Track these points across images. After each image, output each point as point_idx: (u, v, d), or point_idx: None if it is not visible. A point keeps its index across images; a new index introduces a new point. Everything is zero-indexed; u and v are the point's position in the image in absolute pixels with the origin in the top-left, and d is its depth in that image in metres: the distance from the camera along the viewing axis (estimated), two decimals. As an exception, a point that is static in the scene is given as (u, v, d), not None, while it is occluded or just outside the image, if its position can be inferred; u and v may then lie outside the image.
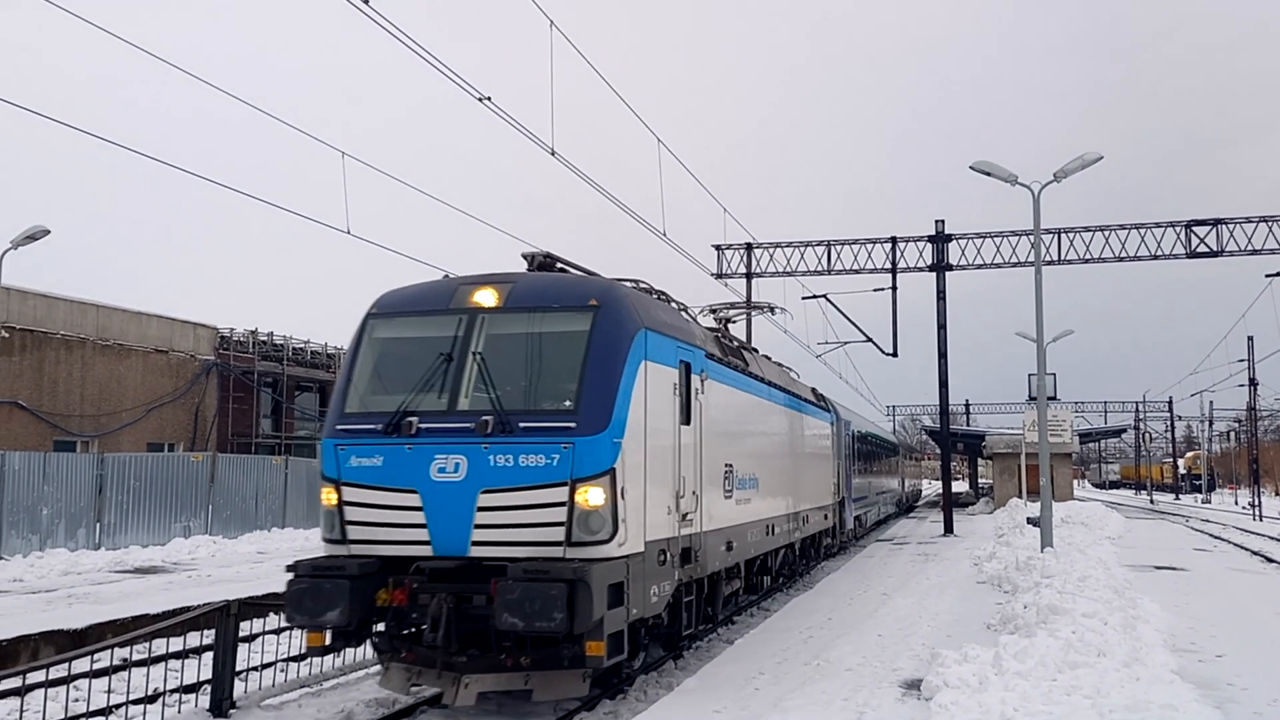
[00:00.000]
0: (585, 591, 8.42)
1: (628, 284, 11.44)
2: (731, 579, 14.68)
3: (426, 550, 9.30)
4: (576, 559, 8.87)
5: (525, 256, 11.62)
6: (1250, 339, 64.02)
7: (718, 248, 39.19)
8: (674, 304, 12.98)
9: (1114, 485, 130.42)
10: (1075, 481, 66.55)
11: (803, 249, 38.78)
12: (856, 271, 38.10)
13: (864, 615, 15.14)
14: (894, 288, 37.45)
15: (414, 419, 9.49)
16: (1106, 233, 36.37)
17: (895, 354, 37.66)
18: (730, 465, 13.85)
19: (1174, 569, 22.11)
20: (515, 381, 9.72)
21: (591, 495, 9.02)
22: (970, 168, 22.36)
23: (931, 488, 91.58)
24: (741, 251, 39.18)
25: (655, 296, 12.17)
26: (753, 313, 20.58)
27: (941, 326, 36.68)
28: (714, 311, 17.83)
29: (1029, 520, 28.93)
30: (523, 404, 9.50)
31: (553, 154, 16.28)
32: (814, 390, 24.61)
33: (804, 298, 37.55)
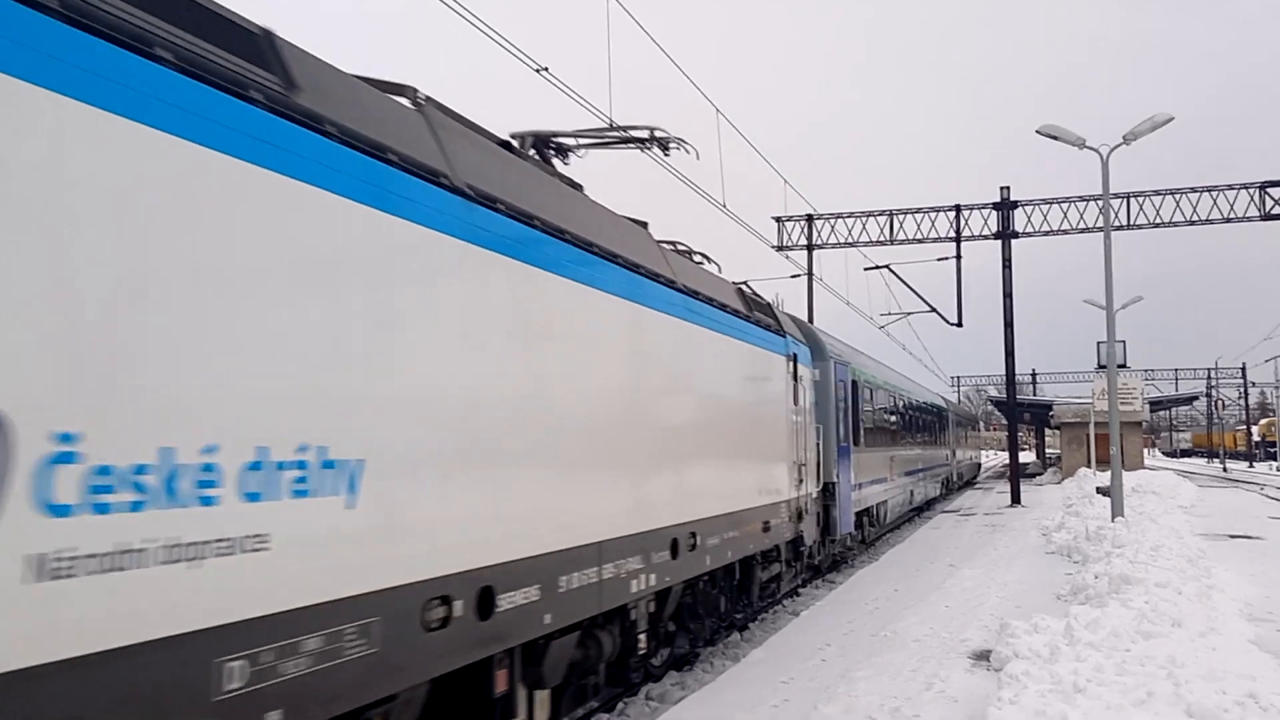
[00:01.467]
0: None
1: None
2: None
3: None
4: None
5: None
6: (1329, 302, 61.97)
7: (778, 220, 38.91)
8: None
9: (1185, 454, 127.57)
10: (1145, 450, 65.23)
11: (864, 219, 38.35)
12: (920, 241, 37.60)
13: (931, 586, 15.06)
14: (958, 256, 36.92)
15: None
16: (1177, 196, 35.45)
17: (960, 324, 37.17)
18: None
19: (1249, 537, 21.61)
20: None
21: None
22: (1037, 131, 21.91)
23: (997, 459, 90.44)
24: (802, 223, 38.84)
25: None
26: (632, 145, 11.32)
27: (1007, 295, 36.09)
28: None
29: (1098, 490, 28.52)
30: None
31: (611, 125, 16.26)
32: (750, 296, 13.63)
33: (866, 269, 37.20)
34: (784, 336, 13.98)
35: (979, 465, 66.11)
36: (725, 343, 11.01)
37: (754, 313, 12.58)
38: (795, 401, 14.37)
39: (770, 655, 10.74)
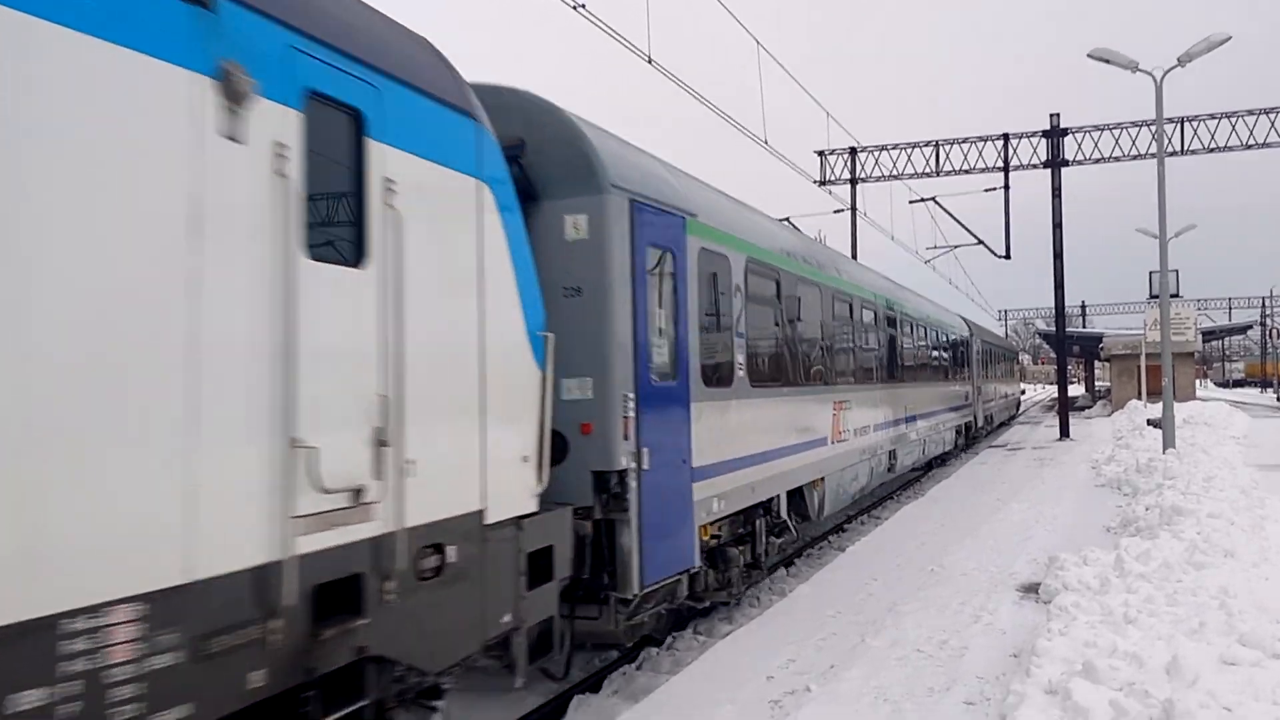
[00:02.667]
0: None
1: None
2: None
3: None
4: None
5: None
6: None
7: (820, 153, 38.35)
8: None
9: (1238, 384, 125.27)
10: (1197, 381, 64.15)
11: (909, 151, 37.64)
12: (966, 172, 36.88)
13: (978, 521, 15.00)
14: (1006, 187, 36.18)
15: None
16: (1234, 119, 34.38)
17: (1008, 256, 36.56)
18: None
19: (1306, 469, 21.26)
20: None
21: None
22: (1088, 55, 21.29)
23: (1045, 393, 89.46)
24: (845, 156, 38.24)
25: None
26: None
27: (1057, 225, 35.38)
28: None
29: (1149, 422, 28.15)
30: None
31: (650, 61, 16.04)
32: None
33: (911, 201, 36.63)
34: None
35: (1018, 403, 54.43)
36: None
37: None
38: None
39: (816, 590, 10.78)
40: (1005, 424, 43.90)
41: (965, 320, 30.89)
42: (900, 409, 18.75)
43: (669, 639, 9.86)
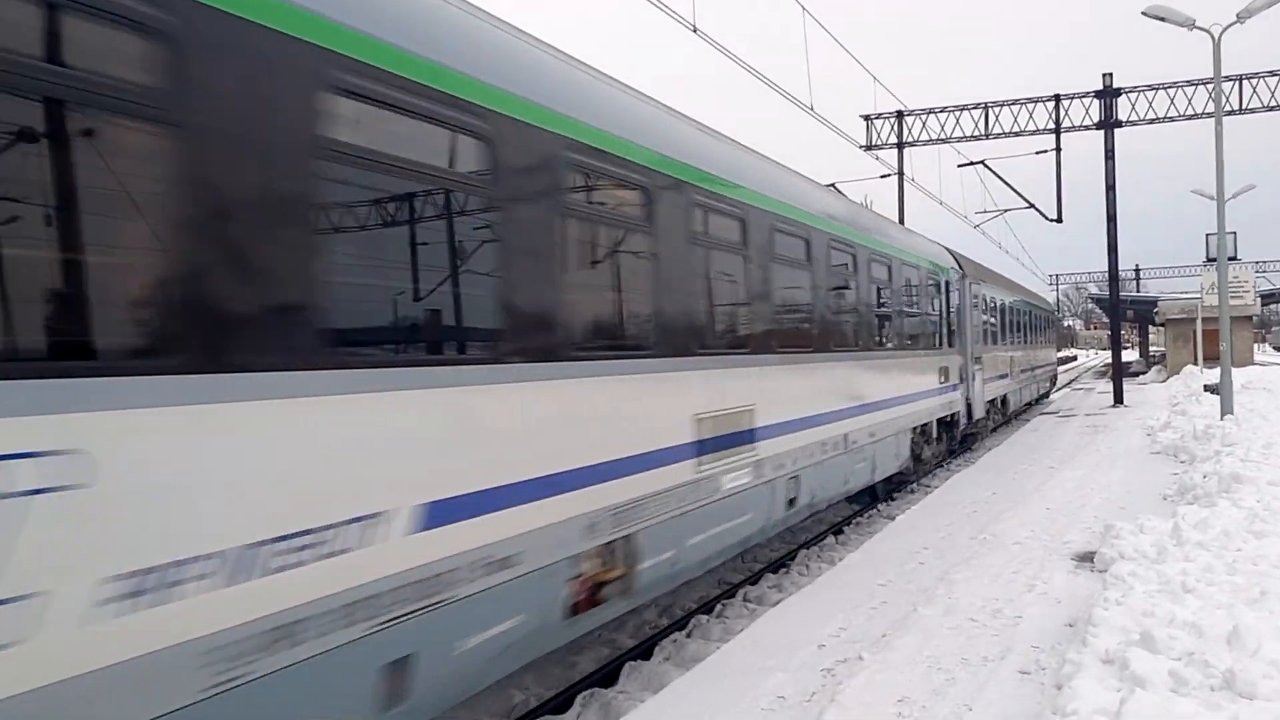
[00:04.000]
0: None
1: None
2: None
3: None
4: None
5: None
6: None
7: (866, 118, 37.81)
8: None
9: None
10: (1256, 346, 62.86)
11: (958, 113, 36.98)
12: (1016, 134, 36.17)
13: (1030, 489, 14.84)
14: (1058, 149, 35.46)
15: None
16: (1295, 76, 33.39)
17: (1060, 219, 35.89)
18: None
19: (1370, 435, 20.76)
20: None
21: None
22: (1143, 13, 20.76)
23: (1098, 359, 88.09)
24: (892, 120, 37.67)
25: None
26: None
27: (1110, 188, 34.64)
28: None
29: (1206, 387, 27.66)
30: None
31: (695, 30, 15.90)
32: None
33: (960, 165, 36.03)
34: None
35: (1053, 377, 41.08)
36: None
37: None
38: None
39: (866, 559, 10.74)
40: (1035, 403, 34.71)
41: (952, 255, 20.29)
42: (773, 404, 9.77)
43: (719, 606, 9.89)
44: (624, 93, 7.82)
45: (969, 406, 20.08)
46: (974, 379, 20.56)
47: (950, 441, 19.44)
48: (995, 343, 24.02)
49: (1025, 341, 30.71)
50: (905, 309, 15.61)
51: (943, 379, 17.85)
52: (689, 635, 9.05)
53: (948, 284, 18.77)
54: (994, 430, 25.66)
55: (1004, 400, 25.89)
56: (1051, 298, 73.91)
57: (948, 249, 20.50)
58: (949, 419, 18.70)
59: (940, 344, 17.83)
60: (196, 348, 3.90)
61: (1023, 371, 29.65)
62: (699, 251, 8.29)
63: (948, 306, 18.62)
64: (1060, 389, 46.55)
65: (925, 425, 16.81)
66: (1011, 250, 46.73)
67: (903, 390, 15.13)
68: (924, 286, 16.94)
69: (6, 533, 3.22)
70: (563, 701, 7.41)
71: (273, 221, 4.28)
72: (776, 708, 6.35)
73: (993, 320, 23.70)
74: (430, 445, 5.04)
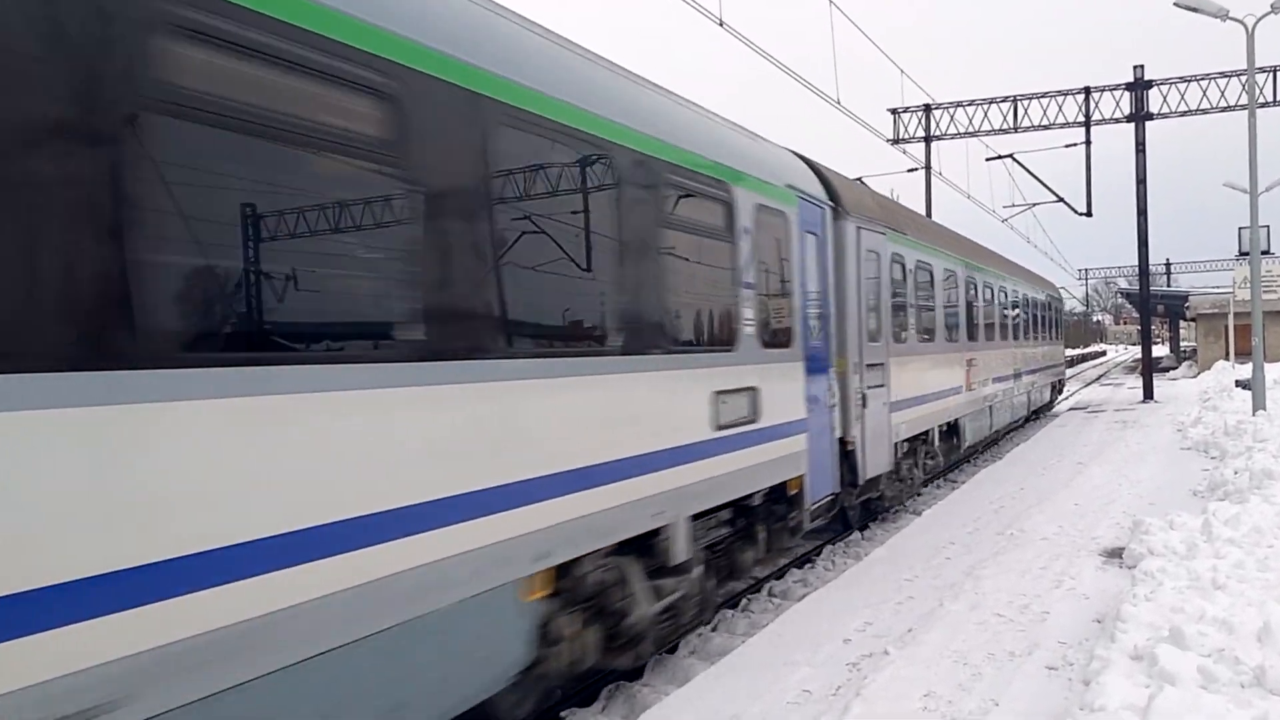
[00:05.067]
0: None
1: None
2: None
3: None
4: None
5: None
6: None
7: (894, 111, 37.57)
8: None
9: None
10: (1290, 341, 62.01)
11: (986, 107, 36.69)
12: (1045, 127, 35.85)
13: (1058, 484, 14.74)
14: (1088, 142, 35.12)
15: None
16: (1331, 67, 32.93)
17: (1089, 213, 35.59)
18: None
19: (1405, 431, 20.48)
20: None
21: None
22: (1175, 4, 20.53)
23: (1127, 354, 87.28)
24: (919, 114, 37.42)
25: None
26: None
27: (1141, 181, 34.30)
28: None
29: (1238, 383, 27.36)
30: None
31: (721, 24, 15.86)
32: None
33: (988, 159, 35.78)
34: None
35: (1056, 384, 32.61)
36: None
37: None
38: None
39: (892, 554, 10.70)
40: (1028, 420, 26.84)
41: (820, 176, 11.69)
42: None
43: (744, 601, 9.89)
44: None
45: (852, 456, 11.60)
46: (863, 404, 11.89)
47: (778, 538, 9.76)
48: (931, 338, 15.92)
49: (1005, 335, 22.24)
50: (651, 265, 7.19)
51: (742, 414, 8.48)
52: (714, 629, 9.06)
53: (798, 225, 10.09)
54: (940, 475, 17.93)
55: (955, 429, 17.36)
56: (1080, 292, 73.11)
57: (809, 162, 11.69)
58: (772, 496, 9.33)
59: (749, 340, 8.73)
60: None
61: (998, 382, 20.94)
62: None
63: (794, 268, 9.96)
64: (1089, 384, 45.86)
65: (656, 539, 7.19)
66: (1040, 244, 46.32)
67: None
68: (710, 225, 8.26)
69: None
70: (588, 694, 7.43)
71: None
72: (802, 701, 6.35)
73: (927, 301, 15.71)
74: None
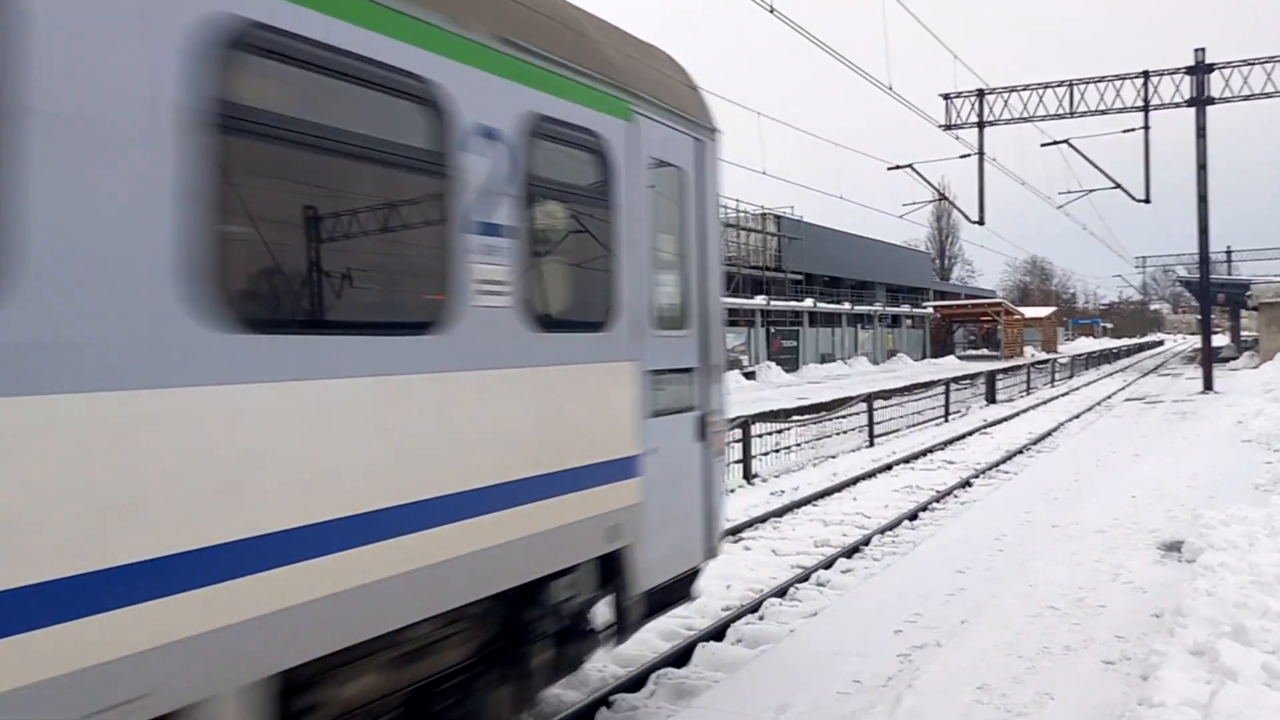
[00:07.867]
0: None
1: None
2: None
3: None
4: None
5: None
6: None
7: (946, 97, 37.06)
8: None
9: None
10: (1356, 331, 60.39)
11: (1041, 92, 36.07)
12: (1103, 112, 35.16)
13: (1113, 477, 14.49)
14: (1146, 127, 34.38)
15: None
16: (1403, 48, 31.95)
17: (1148, 200, 34.85)
18: None
19: None
20: None
21: None
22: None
23: (1186, 344, 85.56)
24: (972, 99, 36.88)
25: None
26: None
27: (1201, 167, 33.54)
28: None
29: (1302, 374, 26.73)
30: None
31: (771, 11, 15.74)
32: None
33: (1043, 145, 35.18)
34: None
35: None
36: None
37: None
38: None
39: (941, 546, 10.58)
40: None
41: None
42: None
43: (791, 590, 9.83)
44: None
45: None
46: None
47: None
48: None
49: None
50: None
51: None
52: (761, 618, 9.01)
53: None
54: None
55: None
56: (1138, 280, 71.67)
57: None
58: None
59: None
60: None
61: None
62: None
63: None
64: (1145, 374, 44.75)
65: None
66: (1098, 232, 45.47)
67: None
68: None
69: None
70: (636, 680, 7.43)
71: None
72: (853, 691, 6.29)
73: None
74: None
